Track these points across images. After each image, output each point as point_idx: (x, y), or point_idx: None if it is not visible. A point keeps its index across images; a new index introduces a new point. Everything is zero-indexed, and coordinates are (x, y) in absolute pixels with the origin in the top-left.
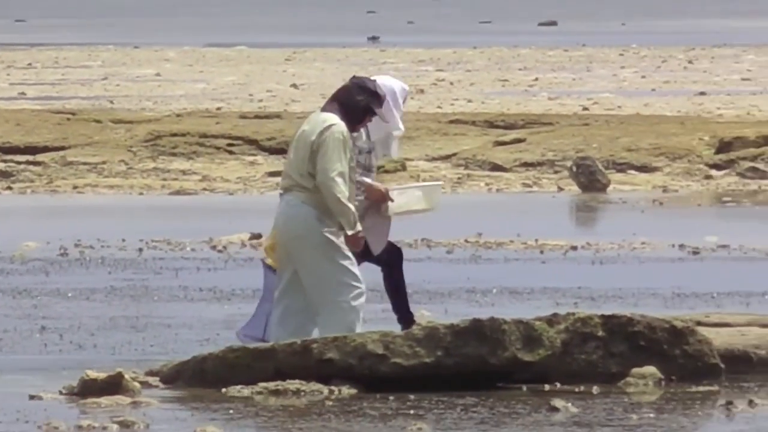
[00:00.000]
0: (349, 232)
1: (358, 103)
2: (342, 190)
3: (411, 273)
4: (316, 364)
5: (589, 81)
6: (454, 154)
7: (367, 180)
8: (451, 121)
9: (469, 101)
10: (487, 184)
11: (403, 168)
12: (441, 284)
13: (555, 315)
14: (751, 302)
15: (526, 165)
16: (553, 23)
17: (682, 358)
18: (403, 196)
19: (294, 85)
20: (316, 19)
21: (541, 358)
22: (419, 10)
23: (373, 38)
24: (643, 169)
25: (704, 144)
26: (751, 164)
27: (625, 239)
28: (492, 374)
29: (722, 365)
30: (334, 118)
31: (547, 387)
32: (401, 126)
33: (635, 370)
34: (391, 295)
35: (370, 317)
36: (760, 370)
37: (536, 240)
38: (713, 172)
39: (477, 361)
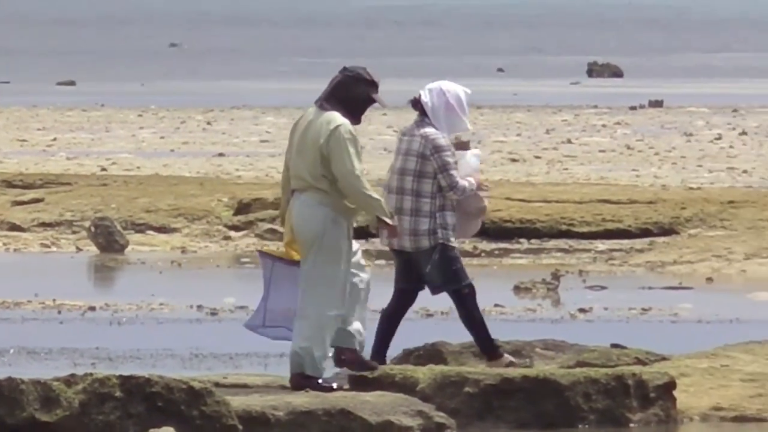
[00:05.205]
0: (388, 221)
1: (359, 95)
2: (366, 185)
3: None
4: None
5: (108, 141)
6: None
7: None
8: None
9: None
10: (5, 244)
11: None
12: None
13: (73, 375)
14: (269, 363)
15: (45, 225)
16: (72, 83)
17: (200, 419)
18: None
19: None
20: None
21: (59, 419)
22: None
23: None
24: (162, 230)
25: (223, 205)
26: (270, 226)
27: (144, 300)
28: None
29: (240, 426)
30: (338, 118)
31: None
32: (469, 126)
33: (153, 431)
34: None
35: None
36: (278, 431)
37: (54, 300)
38: (232, 233)
39: None
